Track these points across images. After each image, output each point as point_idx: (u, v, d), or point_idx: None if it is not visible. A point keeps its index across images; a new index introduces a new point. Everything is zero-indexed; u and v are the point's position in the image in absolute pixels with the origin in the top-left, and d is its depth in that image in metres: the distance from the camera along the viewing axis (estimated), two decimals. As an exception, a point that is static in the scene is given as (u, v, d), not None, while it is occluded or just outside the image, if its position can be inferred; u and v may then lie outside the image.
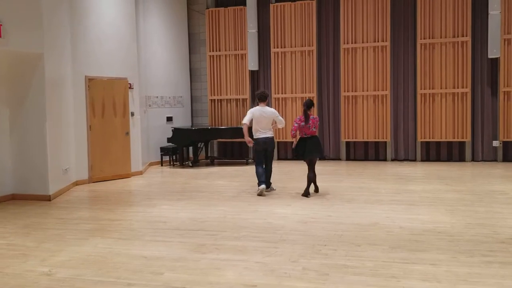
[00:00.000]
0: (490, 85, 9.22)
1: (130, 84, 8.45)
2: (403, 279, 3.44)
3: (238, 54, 10.29)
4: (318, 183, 6.79)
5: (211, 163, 10.13)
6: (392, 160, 9.71)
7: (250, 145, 6.49)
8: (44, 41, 6.59)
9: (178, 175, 8.64)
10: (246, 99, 10.31)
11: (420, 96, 9.38)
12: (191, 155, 10.21)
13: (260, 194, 6.47)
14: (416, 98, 9.47)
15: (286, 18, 9.95)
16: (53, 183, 6.74)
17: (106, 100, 8.05)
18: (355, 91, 9.69)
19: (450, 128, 9.26)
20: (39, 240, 4.70)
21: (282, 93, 10.07)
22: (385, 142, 9.72)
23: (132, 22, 8.51)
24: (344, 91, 9.72)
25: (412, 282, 3.38)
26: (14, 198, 6.73)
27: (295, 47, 9.94)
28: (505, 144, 9.20)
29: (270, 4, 10.03)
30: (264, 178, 6.52)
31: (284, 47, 10.00)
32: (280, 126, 6.72)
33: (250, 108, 9.98)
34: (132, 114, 8.54)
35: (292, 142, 6.63)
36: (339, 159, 9.98)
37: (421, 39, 9.30)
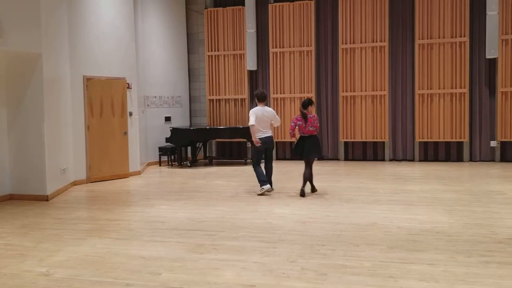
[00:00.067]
0: (488, 86, 9.25)
1: (128, 84, 8.44)
2: (401, 279, 3.45)
3: (237, 54, 10.29)
4: (316, 183, 6.79)
5: (210, 163, 10.13)
6: (390, 160, 9.72)
7: (258, 145, 6.48)
8: (42, 41, 6.57)
9: (176, 175, 8.64)
10: (244, 99, 10.31)
11: (418, 96, 9.39)
12: (189, 155, 10.21)
13: (262, 194, 6.49)
14: (414, 98, 9.48)
15: (285, 18, 9.95)
16: (51, 183, 6.72)
17: (104, 100, 8.04)
18: (353, 91, 9.70)
19: (448, 128, 9.28)
20: (37, 240, 4.69)
21: (280, 93, 10.07)
22: (383, 142, 9.74)
23: (130, 22, 8.50)
24: (342, 91, 9.73)
25: (410, 282, 3.39)
26: (12, 198, 6.72)
27: (294, 47, 9.94)
28: (503, 144, 9.22)
29: (269, 4, 10.03)
30: (265, 177, 6.56)
31: (283, 47, 10.01)
32: (276, 124, 6.81)
33: (249, 108, 10.13)
34: (130, 114, 8.53)
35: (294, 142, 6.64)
36: (337, 159, 9.99)
37: (419, 39, 9.31)
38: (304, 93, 9.87)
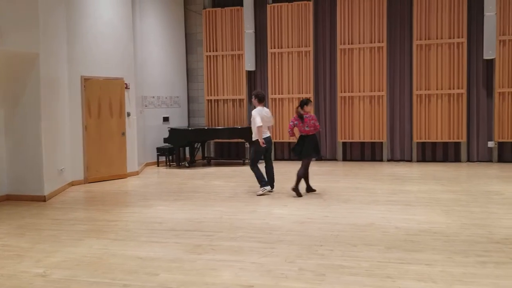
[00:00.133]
0: (485, 86, 9.27)
1: (126, 84, 8.43)
2: (399, 279, 3.45)
3: (235, 55, 10.29)
4: (314, 183, 6.80)
5: (208, 164, 10.12)
6: (388, 160, 9.73)
7: (264, 146, 6.50)
8: (40, 41, 6.56)
9: (174, 176, 8.63)
10: (243, 99, 10.31)
11: (416, 97, 9.41)
12: (187, 155, 10.19)
13: (262, 195, 6.50)
14: (412, 99, 9.50)
15: (283, 19, 9.96)
16: (48, 184, 6.71)
17: (102, 100, 8.02)
18: (352, 91, 9.71)
19: (446, 129, 9.30)
20: (34, 241, 4.67)
21: (278, 94, 10.08)
22: (381, 142, 9.75)
23: (128, 22, 8.49)
24: (341, 92, 9.74)
25: (408, 282, 3.39)
26: (9, 199, 6.69)
27: (292, 47, 9.95)
28: (500, 144, 9.25)
29: (267, 5, 10.04)
30: (265, 178, 6.62)
31: (281, 47, 10.01)
32: (271, 124, 6.89)
33: (247, 108, 10.14)
34: (128, 114, 8.51)
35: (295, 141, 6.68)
36: (335, 159, 10.00)
37: (417, 40, 9.33)
38: (302, 93, 9.88)
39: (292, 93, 9.98)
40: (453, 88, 9.25)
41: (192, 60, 10.77)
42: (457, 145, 9.44)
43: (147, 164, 9.78)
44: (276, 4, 9.98)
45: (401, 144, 9.71)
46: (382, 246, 4.20)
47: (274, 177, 6.80)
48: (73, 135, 7.64)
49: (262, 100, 6.65)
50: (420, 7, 9.28)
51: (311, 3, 9.79)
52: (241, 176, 8.32)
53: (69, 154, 7.56)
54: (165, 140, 9.62)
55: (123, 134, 8.33)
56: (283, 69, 10.02)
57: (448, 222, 4.95)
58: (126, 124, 8.42)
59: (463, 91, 9.19)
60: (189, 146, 9.88)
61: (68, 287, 3.50)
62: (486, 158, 9.32)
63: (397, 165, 9.26)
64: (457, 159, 9.43)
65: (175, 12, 10.36)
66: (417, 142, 9.57)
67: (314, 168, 8.28)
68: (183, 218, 5.39)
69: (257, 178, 6.58)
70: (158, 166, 9.85)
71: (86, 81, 7.81)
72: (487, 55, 8.91)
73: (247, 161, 9.83)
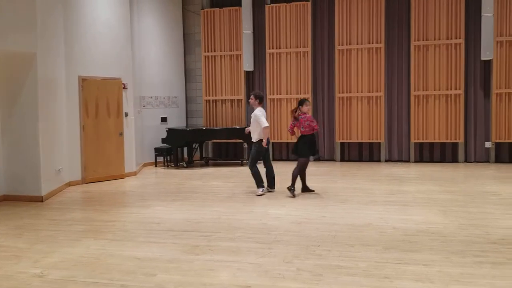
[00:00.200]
0: (483, 87, 9.30)
1: (124, 84, 8.42)
2: (396, 279, 3.46)
3: (233, 55, 10.29)
4: (312, 184, 6.82)
5: (206, 164, 10.11)
6: (386, 161, 9.75)
7: (266, 146, 6.55)
8: (38, 41, 6.55)
9: (172, 176, 8.62)
10: (241, 99, 10.31)
11: (413, 97, 9.43)
12: (185, 155, 10.19)
13: (262, 194, 6.52)
14: (409, 99, 9.52)
15: (281, 19, 9.96)
16: (45, 184, 6.69)
17: (100, 100, 8.01)
18: (350, 92, 9.72)
19: (443, 130, 9.32)
20: (31, 241, 4.66)
21: (277, 94, 10.08)
22: (379, 143, 9.77)
23: (126, 22, 8.48)
24: (339, 92, 9.75)
25: (405, 282, 3.40)
26: (6, 199, 6.67)
27: (290, 48, 9.96)
28: (498, 145, 9.27)
29: (265, 5, 10.04)
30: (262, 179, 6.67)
31: (279, 48, 10.02)
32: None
33: (246, 109, 10.14)
34: (126, 114, 8.50)
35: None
36: (333, 160, 10.01)
37: (415, 41, 9.35)
38: (300, 94, 9.88)
39: (290, 94, 9.99)
40: (451, 89, 9.27)
41: (190, 60, 10.76)
42: (454, 145, 9.47)
43: (145, 165, 9.76)
44: (274, 5, 9.99)
45: (399, 145, 9.73)
46: (379, 246, 4.21)
47: (275, 176, 6.81)
48: (71, 135, 7.63)
49: (262, 101, 6.75)
50: (418, 8, 9.30)
51: (309, 3, 9.80)
52: (239, 176, 8.32)
53: (67, 154, 7.54)
54: (163, 141, 9.61)
55: (121, 134, 8.32)
56: (281, 70, 10.03)
57: (445, 222, 4.96)
58: (124, 124, 8.41)
59: (461, 91, 9.21)
60: (187, 147, 9.87)
61: (65, 287, 3.50)
62: (483, 158, 9.35)
63: (395, 165, 9.28)
64: (454, 159, 9.45)
65: (173, 12, 10.36)
66: (415, 143, 9.59)
67: (312, 168, 8.28)
68: (181, 219, 5.39)
69: (256, 179, 6.60)
70: (156, 166, 9.84)
71: (84, 81, 7.80)
72: (484, 56, 8.93)
73: (245, 161, 9.83)
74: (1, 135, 6.68)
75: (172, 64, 10.39)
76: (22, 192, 6.62)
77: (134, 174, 8.65)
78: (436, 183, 7.24)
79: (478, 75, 9.28)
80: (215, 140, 10.44)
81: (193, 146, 10.08)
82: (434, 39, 9.29)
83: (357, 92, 9.68)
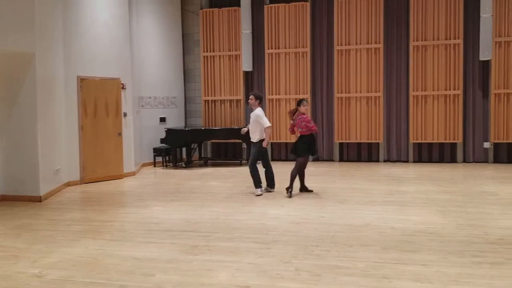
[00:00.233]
0: (481, 87, 9.31)
1: (122, 84, 8.41)
2: (395, 279, 3.46)
3: (232, 55, 10.29)
4: (311, 184, 6.82)
5: (205, 164, 10.11)
6: (385, 161, 9.76)
7: (266, 147, 6.59)
8: (36, 40, 6.54)
9: (171, 176, 8.61)
10: (240, 100, 10.31)
11: (412, 98, 9.44)
12: (184, 156, 10.18)
13: (260, 194, 6.54)
14: (408, 99, 9.53)
15: (280, 19, 9.97)
16: (44, 184, 6.68)
17: (98, 100, 8.00)
18: (349, 92, 9.73)
19: (442, 130, 9.34)
20: (30, 241, 4.66)
21: (276, 94, 10.08)
22: (378, 143, 9.78)
23: (125, 23, 8.48)
24: (338, 93, 9.76)
25: (404, 282, 3.41)
26: (4, 199, 6.66)
27: (289, 48, 9.96)
28: (496, 145, 9.29)
29: (264, 5, 10.04)
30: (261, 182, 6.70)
31: (278, 48, 10.02)
32: None
33: (244, 109, 10.14)
34: (125, 114, 8.50)
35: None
36: (332, 160, 10.02)
37: (413, 41, 9.36)
38: (299, 94, 9.89)
39: (289, 94, 9.99)
40: (449, 89, 9.29)
41: (189, 61, 10.76)
42: (453, 145, 9.48)
43: (144, 165, 9.76)
44: (273, 5, 9.99)
45: (397, 145, 9.74)
46: (378, 246, 4.21)
47: (274, 177, 6.82)
48: (69, 135, 7.62)
49: (261, 101, 6.81)
50: (416, 9, 9.32)
51: (308, 4, 9.80)
52: (238, 176, 8.32)
53: (65, 154, 7.54)
54: (162, 141, 9.61)
55: (120, 134, 8.32)
56: (280, 70, 10.03)
57: (444, 222, 4.97)
58: (123, 124, 8.40)
59: (459, 92, 9.22)
60: (186, 147, 9.87)
61: (63, 287, 3.49)
62: (482, 158, 9.37)
63: (394, 165, 9.29)
64: (453, 159, 9.47)
65: (172, 12, 10.35)
66: (414, 143, 9.60)
67: (311, 168, 8.29)
68: (180, 219, 5.39)
69: (256, 179, 6.60)
70: (154, 166, 9.83)
71: (82, 81, 7.79)
72: (483, 56, 8.95)
73: (244, 161, 9.83)
74: (-1, 135, 6.68)
75: (171, 64, 10.38)
76: (20, 192, 6.61)
77: (132, 174, 8.64)
78: (435, 183, 7.25)
79: (477, 76, 9.29)
80: (214, 140, 10.44)
81: (192, 146, 10.07)
82: (433, 40, 9.30)
83: (356, 92, 9.68)
